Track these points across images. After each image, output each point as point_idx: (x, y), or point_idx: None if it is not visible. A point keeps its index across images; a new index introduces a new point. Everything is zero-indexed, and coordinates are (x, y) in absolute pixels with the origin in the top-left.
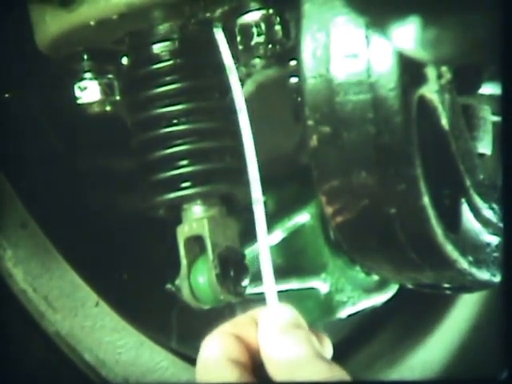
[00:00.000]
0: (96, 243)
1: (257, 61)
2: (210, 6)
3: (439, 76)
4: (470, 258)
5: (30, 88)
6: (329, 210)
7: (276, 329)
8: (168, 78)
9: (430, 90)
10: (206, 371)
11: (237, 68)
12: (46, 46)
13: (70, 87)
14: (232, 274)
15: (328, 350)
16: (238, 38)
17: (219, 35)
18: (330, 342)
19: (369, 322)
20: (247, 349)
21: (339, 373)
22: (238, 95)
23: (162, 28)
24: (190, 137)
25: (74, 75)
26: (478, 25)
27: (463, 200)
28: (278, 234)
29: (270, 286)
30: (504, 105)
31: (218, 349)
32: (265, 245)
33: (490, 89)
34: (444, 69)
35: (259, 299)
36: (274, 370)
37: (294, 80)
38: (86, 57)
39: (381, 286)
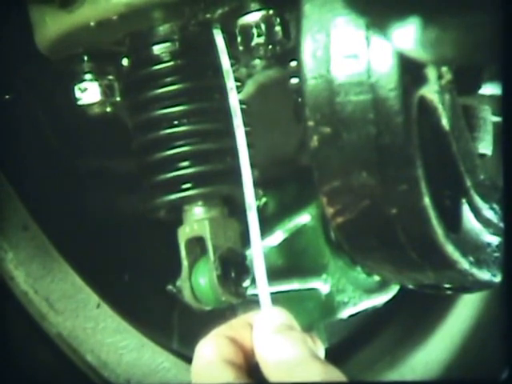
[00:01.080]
0: (97, 245)
1: (257, 62)
2: (210, 6)
3: (439, 76)
4: (471, 259)
5: (31, 90)
6: (329, 210)
7: (270, 330)
8: (168, 79)
9: (430, 91)
10: (201, 372)
11: (237, 69)
12: (46, 47)
13: (70, 88)
14: (233, 275)
15: (320, 351)
16: (239, 39)
17: (218, 38)
18: (321, 344)
19: (370, 322)
20: (242, 350)
21: (335, 373)
22: (234, 100)
23: (162, 29)
24: (191, 138)
25: (75, 76)
26: (478, 25)
27: (464, 200)
28: (279, 235)
29: (263, 289)
30: (504, 105)
31: (212, 350)
32: (258, 249)
33: (490, 89)
34: (444, 69)
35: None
36: (269, 370)
37: (294, 81)
38: (86, 58)
39: (382, 286)
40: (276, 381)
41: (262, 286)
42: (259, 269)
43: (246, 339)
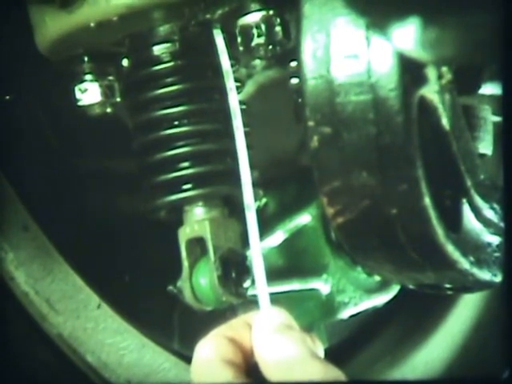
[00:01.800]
0: (98, 245)
1: (257, 62)
2: (211, 7)
3: (440, 76)
4: (472, 259)
5: (31, 90)
6: (330, 210)
7: (270, 330)
8: (169, 80)
9: (430, 91)
10: (201, 372)
11: (237, 69)
12: (46, 47)
13: (70, 89)
14: (234, 275)
15: (319, 351)
16: (239, 40)
17: (218, 39)
18: (321, 343)
19: (370, 322)
20: (241, 350)
21: (334, 372)
22: (234, 100)
23: (163, 29)
24: (192, 139)
25: (75, 77)
26: (479, 25)
27: (464, 200)
28: (280, 235)
29: (262, 289)
30: (505, 105)
31: (212, 350)
32: (257, 249)
33: (490, 89)
34: (444, 69)
35: None
36: (268, 370)
37: (294, 81)
38: (86, 59)
39: (382, 286)
40: (275, 380)
41: (261, 286)
42: (258, 269)
43: (245, 339)
